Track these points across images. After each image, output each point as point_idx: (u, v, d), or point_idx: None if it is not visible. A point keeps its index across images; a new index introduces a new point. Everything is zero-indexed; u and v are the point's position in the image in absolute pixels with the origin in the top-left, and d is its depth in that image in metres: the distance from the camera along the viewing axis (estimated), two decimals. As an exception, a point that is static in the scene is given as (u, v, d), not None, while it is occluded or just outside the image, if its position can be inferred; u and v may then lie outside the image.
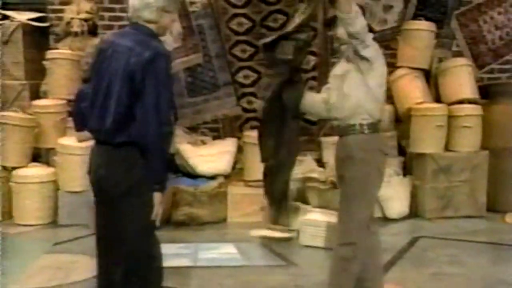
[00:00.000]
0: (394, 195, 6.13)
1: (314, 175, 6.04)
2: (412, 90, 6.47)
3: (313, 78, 6.64)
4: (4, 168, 6.10)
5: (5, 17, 6.76)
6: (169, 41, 6.30)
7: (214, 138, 6.67)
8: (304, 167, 6.00)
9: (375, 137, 3.54)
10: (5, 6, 6.93)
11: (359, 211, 3.52)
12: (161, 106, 2.80)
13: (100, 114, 2.92)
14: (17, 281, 4.37)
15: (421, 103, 6.34)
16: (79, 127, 3.66)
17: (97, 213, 3.08)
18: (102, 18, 6.67)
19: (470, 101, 6.40)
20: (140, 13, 2.91)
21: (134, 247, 2.95)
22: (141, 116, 2.80)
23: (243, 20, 6.65)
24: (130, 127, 2.83)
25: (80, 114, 3.56)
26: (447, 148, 6.30)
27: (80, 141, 4.21)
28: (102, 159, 2.96)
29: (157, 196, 2.90)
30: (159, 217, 2.94)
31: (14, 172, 6.06)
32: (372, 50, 3.51)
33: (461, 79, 6.49)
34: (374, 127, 3.51)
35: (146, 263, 3.00)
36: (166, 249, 4.87)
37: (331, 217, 5.31)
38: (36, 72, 6.64)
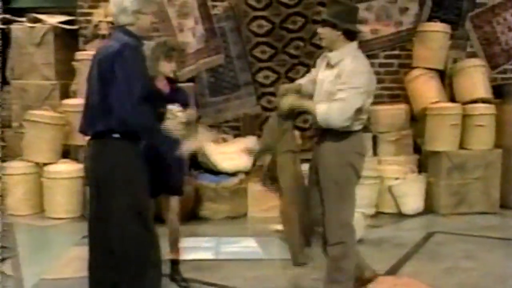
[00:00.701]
0: (410, 191, 6.12)
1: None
2: (427, 90, 6.44)
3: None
4: (36, 164, 6.19)
5: (38, 20, 6.85)
6: (192, 43, 6.35)
7: (235, 136, 6.68)
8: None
9: (351, 140, 3.51)
10: (38, 10, 7.02)
11: (343, 211, 3.56)
12: (134, 91, 2.82)
13: (84, 111, 3.03)
14: (49, 271, 4.43)
15: (436, 102, 6.32)
16: None
17: (90, 208, 3.11)
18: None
19: (483, 101, 6.35)
20: (118, 18, 3.00)
21: (127, 233, 2.95)
22: (116, 103, 2.83)
23: (263, 22, 6.66)
24: (107, 116, 2.88)
25: None
26: (461, 146, 6.27)
27: None
28: (89, 152, 3.04)
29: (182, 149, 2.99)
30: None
31: (45, 168, 6.13)
32: (358, 79, 3.45)
33: (475, 79, 6.44)
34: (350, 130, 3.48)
35: (135, 250, 2.97)
36: (189, 242, 4.98)
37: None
38: (66, 73, 6.70)
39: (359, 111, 3.43)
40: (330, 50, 3.53)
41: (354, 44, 3.54)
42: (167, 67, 4.00)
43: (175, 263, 4.20)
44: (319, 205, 3.60)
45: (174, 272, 4.19)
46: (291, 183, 3.70)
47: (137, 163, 2.99)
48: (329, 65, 3.54)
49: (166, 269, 4.19)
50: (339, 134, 3.45)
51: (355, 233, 3.65)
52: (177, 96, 4.06)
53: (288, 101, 3.58)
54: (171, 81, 4.09)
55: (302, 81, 3.83)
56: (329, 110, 3.38)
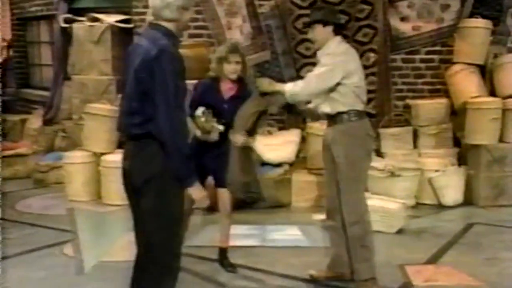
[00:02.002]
0: (450, 183, 6.01)
1: (373, 164, 5.97)
2: (468, 84, 6.30)
3: (373, 74, 6.54)
4: (94, 154, 6.31)
5: (97, 20, 6.96)
6: (240, 40, 6.35)
7: (280, 129, 6.66)
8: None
9: (363, 122, 3.71)
10: (97, 10, 7.14)
11: (359, 191, 3.71)
12: (170, 102, 2.63)
13: (121, 112, 2.87)
14: (107, 254, 4.49)
15: (476, 97, 6.17)
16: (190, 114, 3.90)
17: (129, 205, 3.01)
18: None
19: (524, 95, 6.17)
20: (161, 12, 2.75)
21: (152, 239, 2.80)
22: (154, 114, 2.65)
23: (308, 20, 6.58)
24: (145, 121, 2.69)
25: (195, 103, 3.97)
26: (501, 139, 6.11)
27: None
28: (126, 153, 2.87)
29: (189, 191, 2.74)
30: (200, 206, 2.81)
31: (102, 158, 6.24)
32: (328, 59, 3.66)
33: (516, 74, 6.26)
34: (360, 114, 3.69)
35: (163, 255, 2.82)
36: (237, 230, 4.99)
37: (387, 203, 5.27)
38: (122, 68, 6.78)
39: (337, 88, 3.61)
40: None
41: (338, 37, 3.75)
42: (230, 69, 3.97)
43: (223, 250, 4.22)
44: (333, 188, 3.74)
45: (223, 258, 4.21)
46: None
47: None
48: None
49: (215, 255, 4.25)
50: (351, 117, 3.64)
51: (369, 211, 3.78)
52: (233, 102, 3.93)
53: (264, 82, 3.76)
54: (241, 82, 4.04)
55: None
56: (294, 86, 3.64)
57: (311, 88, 3.62)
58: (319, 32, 3.71)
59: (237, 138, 3.69)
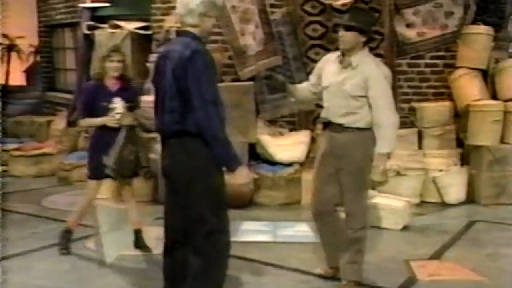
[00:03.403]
0: (453, 182, 5.97)
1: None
2: (471, 88, 6.26)
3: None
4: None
5: (118, 27, 7.00)
6: (253, 45, 6.35)
7: (291, 130, 6.65)
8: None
9: (372, 133, 3.49)
10: (118, 18, 7.18)
11: (365, 199, 3.64)
12: (205, 98, 2.72)
13: (159, 112, 2.91)
14: (129, 248, 4.54)
15: (478, 100, 6.13)
16: (83, 115, 4.26)
17: (165, 201, 3.01)
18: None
19: (524, 98, 6.11)
20: (184, 19, 2.90)
21: (207, 226, 2.81)
22: (193, 111, 2.74)
23: (318, 26, 6.59)
24: (184, 119, 2.78)
25: (89, 105, 4.21)
26: (502, 140, 6.06)
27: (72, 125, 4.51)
28: (167, 151, 2.91)
29: (234, 176, 2.79)
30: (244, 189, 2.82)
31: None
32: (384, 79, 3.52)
33: (517, 78, 6.20)
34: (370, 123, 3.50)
35: (218, 239, 2.86)
36: (249, 226, 5.01)
37: (393, 201, 5.24)
38: (141, 73, 6.82)
39: (360, 100, 3.47)
40: (343, 53, 3.52)
41: (367, 48, 3.57)
42: (110, 67, 4.21)
43: (139, 231, 4.50)
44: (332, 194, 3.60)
45: (138, 239, 4.48)
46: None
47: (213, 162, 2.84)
48: (347, 68, 3.50)
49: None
50: (362, 127, 3.48)
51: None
52: (124, 93, 4.23)
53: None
54: (123, 79, 4.29)
55: (305, 84, 3.91)
56: (388, 119, 3.45)
57: (393, 109, 3.50)
58: (353, 37, 3.45)
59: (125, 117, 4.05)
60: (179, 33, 3.00)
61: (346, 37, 3.47)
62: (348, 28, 3.47)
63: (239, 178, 2.81)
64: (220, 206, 2.88)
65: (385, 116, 3.44)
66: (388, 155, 3.61)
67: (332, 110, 3.56)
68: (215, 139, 2.74)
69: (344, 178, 3.54)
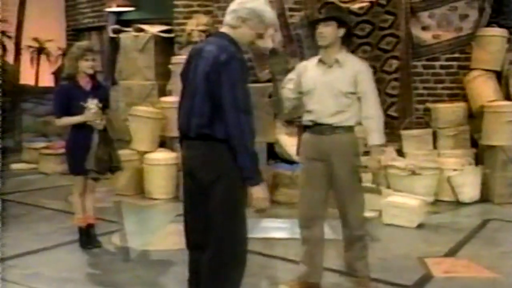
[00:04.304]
0: (467, 182, 5.90)
1: (395, 163, 5.93)
2: (485, 89, 6.20)
3: (395, 79, 6.47)
4: (138, 152, 6.38)
5: (141, 30, 7.05)
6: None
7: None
8: (386, 156, 5.87)
9: (355, 132, 3.42)
10: (142, 21, 7.24)
11: (362, 197, 3.50)
12: (239, 106, 2.57)
13: (187, 112, 2.76)
14: (150, 243, 4.57)
15: (493, 101, 6.06)
16: (60, 114, 4.26)
17: (187, 201, 2.86)
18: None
19: (538, 99, 6.03)
20: (227, 16, 2.76)
21: (223, 232, 2.71)
22: (222, 117, 2.60)
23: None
24: (212, 124, 2.64)
25: (65, 105, 4.20)
26: (516, 141, 5.97)
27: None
28: (194, 152, 2.76)
29: (253, 190, 2.63)
30: (259, 208, 2.66)
31: (145, 156, 6.31)
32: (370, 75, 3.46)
33: (531, 79, 6.12)
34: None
35: (232, 249, 2.74)
36: (268, 223, 5.01)
37: (408, 200, 5.21)
38: (164, 74, 6.87)
39: (351, 97, 3.39)
40: (326, 51, 3.40)
41: (345, 48, 3.47)
42: (85, 66, 4.20)
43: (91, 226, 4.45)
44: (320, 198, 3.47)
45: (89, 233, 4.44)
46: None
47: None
48: (333, 66, 3.39)
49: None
50: (351, 125, 3.38)
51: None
52: (97, 92, 4.26)
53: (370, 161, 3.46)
54: (93, 78, 4.31)
55: (290, 86, 3.62)
56: (375, 111, 3.39)
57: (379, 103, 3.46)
58: (332, 31, 3.34)
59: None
60: (215, 33, 2.84)
61: (325, 32, 3.36)
62: (326, 20, 3.37)
63: (257, 193, 2.65)
64: (240, 211, 2.76)
65: (375, 110, 3.40)
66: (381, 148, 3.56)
67: (321, 111, 3.38)
68: (245, 149, 2.60)
69: (338, 181, 3.39)
